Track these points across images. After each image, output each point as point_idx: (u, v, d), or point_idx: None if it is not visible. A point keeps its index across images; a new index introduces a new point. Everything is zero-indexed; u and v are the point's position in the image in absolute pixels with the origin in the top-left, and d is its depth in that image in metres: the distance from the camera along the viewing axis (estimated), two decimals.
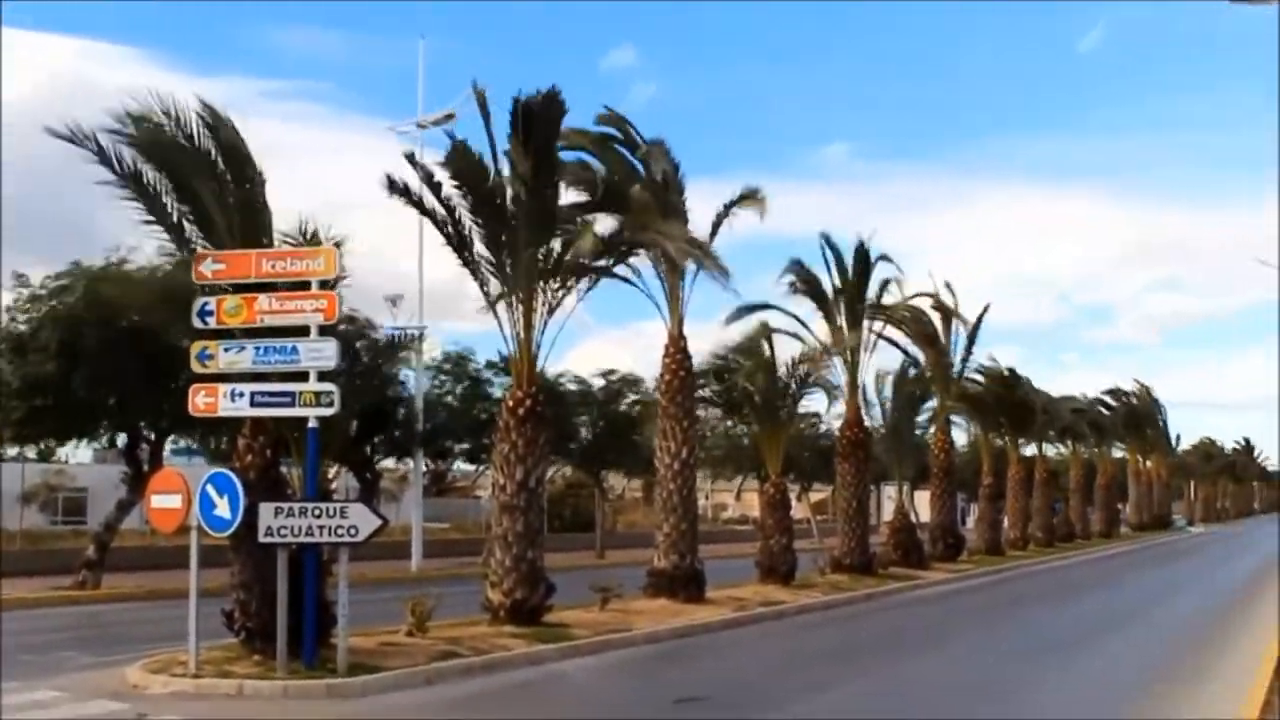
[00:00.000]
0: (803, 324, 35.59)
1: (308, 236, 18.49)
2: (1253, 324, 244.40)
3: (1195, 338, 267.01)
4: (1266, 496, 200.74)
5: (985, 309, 49.37)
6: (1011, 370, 60.28)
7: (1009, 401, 57.59)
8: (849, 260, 36.78)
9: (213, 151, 17.02)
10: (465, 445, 46.87)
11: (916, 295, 44.29)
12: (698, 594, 26.83)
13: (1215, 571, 44.59)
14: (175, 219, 17.25)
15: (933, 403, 48.48)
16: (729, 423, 55.06)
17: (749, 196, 28.12)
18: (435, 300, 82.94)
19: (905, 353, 45.93)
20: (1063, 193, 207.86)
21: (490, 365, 44.78)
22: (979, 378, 55.39)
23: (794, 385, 34.60)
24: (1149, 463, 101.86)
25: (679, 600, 26.17)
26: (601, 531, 51.55)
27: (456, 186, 20.98)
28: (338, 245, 18.15)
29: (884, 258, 37.44)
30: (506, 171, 21.12)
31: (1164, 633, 23.40)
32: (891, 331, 42.93)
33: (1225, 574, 42.95)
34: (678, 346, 28.00)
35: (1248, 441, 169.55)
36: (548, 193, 21.67)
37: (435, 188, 21.08)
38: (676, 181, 27.32)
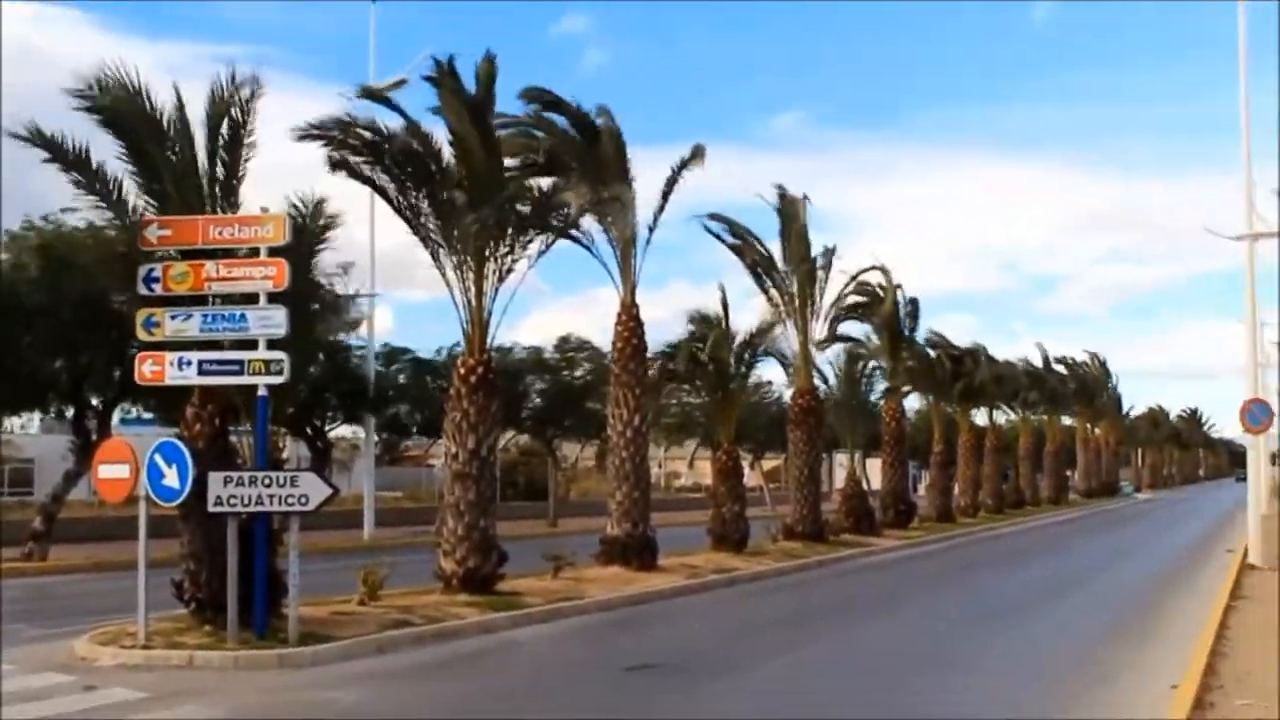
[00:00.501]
0: (765, 283, 35.73)
1: (307, 209, 18.40)
2: (1201, 294, 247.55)
3: (1143, 307, 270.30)
4: (1212, 463, 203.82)
5: (914, 301, 49.52)
6: (971, 351, 60.97)
7: (958, 374, 58.14)
8: (802, 233, 36.82)
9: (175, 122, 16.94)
10: (418, 416, 46.85)
11: (869, 269, 44.54)
12: (650, 561, 26.95)
13: (1161, 537, 45.21)
14: (143, 188, 17.07)
15: (882, 368, 48.74)
16: (683, 391, 55.50)
17: (697, 155, 28.05)
18: (387, 268, 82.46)
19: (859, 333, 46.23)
20: (1014, 162, 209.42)
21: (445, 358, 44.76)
22: (930, 350, 55.89)
23: (747, 354, 34.76)
24: (1098, 430, 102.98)
25: (632, 568, 26.28)
26: (555, 500, 51.61)
27: (401, 154, 20.88)
28: (317, 207, 18.21)
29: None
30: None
31: (1109, 598, 23.73)
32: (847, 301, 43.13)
33: (1170, 539, 43.57)
34: (630, 314, 28.02)
35: (1194, 410, 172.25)
36: (489, 157, 21.60)
37: (380, 154, 20.94)
38: (619, 147, 27.16)
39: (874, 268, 45.15)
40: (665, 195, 27.90)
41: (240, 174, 17.36)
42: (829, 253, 37.91)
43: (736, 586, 26.29)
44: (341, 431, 48.87)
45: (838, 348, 46.66)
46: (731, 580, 26.85)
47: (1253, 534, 29.63)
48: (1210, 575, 27.30)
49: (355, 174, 21.19)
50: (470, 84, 21.36)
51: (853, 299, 43.70)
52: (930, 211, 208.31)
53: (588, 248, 27.31)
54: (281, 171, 19.80)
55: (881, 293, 45.86)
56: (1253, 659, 14.55)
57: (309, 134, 20.01)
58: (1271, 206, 29.84)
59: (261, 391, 16.44)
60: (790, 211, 36.56)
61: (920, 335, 52.54)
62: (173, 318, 16.73)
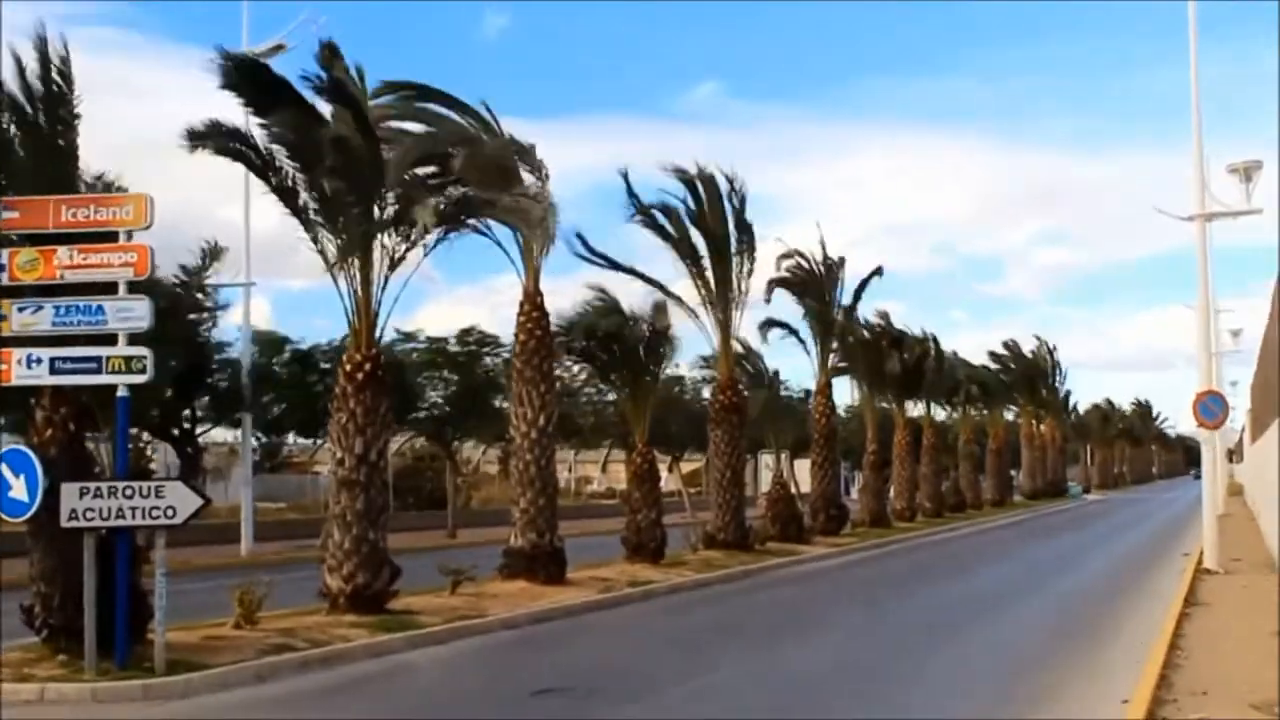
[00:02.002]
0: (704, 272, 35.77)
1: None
2: (1151, 278, 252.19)
3: (1089, 293, 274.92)
4: (1166, 460, 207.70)
5: (876, 271, 49.91)
6: (920, 340, 61.67)
7: (916, 367, 58.87)
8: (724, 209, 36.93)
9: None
10: (300, 417, 46.44)
11: (792, 253, 44.80)
12: (558, 574, 26.91)
13: (1112, 541, 45.96)
14: None
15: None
16: (593, 388, 55.46)
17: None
18: (265, 255, 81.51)
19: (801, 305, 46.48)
20: (947, 137, 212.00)
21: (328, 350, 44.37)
22: (868, 333, 56.41)
23: (660, 346, 34.74)
24: (1043, 426, 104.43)
25: (538, 582, 26.22)
26: (454, 508, 51.35)
27: (279, 130, 20.66)
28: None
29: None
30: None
31: (1057, 608, 24.06)
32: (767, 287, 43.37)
33: (1122, 543, 44.34)
34: (534, 304, 27.94)
35: (1145, 403, 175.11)
36: (372, 138, 21.47)
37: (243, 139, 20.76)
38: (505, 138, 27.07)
39: (798, 253, 45.44)
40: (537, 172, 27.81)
41: (69, 147, 16.99)
42: (743, 234, 37.84)
43: (653, 600, 26.33)
44: (216, 436, 48.27)
45: (766, 335, 46.99)
46: (647, 593, 26.88)
47: (1208, 536, 30.18)
48: (1164, 581, 27.80)
49: (223, 149, 20.89)
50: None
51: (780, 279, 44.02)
52: (857, 189, 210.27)
53: (485, 233, 27.17)
54: (147, 146, 19.49)
55: (812, 269, 46.15)
56: (1209, 669, 14.83)
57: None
58: (1225, 184, 30.41)
59: (122, 392, 16.15)
60: (702, 189, 36.58)
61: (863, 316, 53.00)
62: (20, 310, 16.37)
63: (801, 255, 45.76)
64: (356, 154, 21.09)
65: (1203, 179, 30.47)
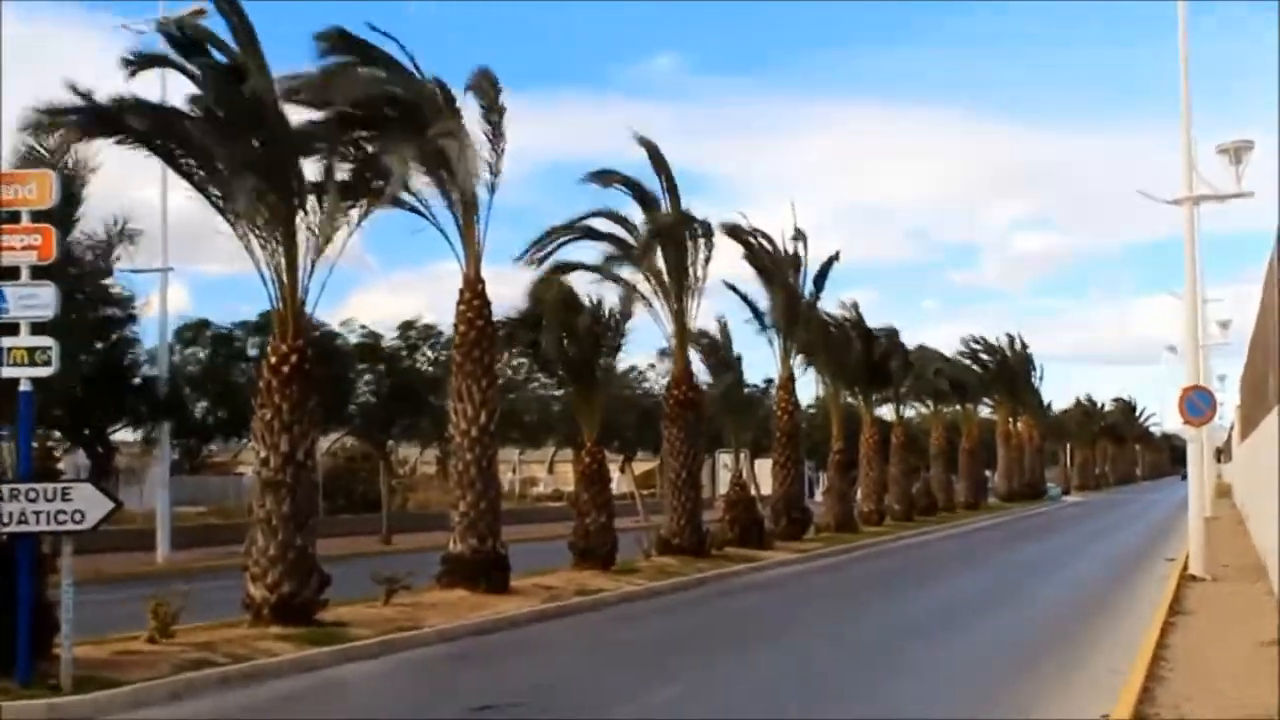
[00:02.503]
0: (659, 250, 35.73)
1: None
2: (1135, 266, 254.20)
3: (1070, 281, 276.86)
4: (1150, 460, 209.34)
5: (834, 256, 49.98)
6: (890, 332, 61.98)
7: (880, 361, 59.13)
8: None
9: None
10: (222, 414, 46.11)
11: (754, 231, 44.82)
12: (501, 583, 26.84)
13: (1093, 545, 46.29)
14: None
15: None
16: (538, 382, 55.39)
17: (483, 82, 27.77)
18: (183, 237, 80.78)
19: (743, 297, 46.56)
20: (922, 113, 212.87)
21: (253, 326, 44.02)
22: (834, 326, 56.63)
23: (611, 336, 34.73)
24: (1020, 424, 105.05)
25: (479, 591, 26.14)
26: (388, 512, 51.19)
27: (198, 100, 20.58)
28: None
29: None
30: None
31: (1033, 618, 24.24)
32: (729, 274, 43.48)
33: (1103, 548, 44.67)
34: (475, 291, 27.82)
35: (1129, 399, 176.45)
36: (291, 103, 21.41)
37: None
38: (449, 97, 26.92)
39: (759, 234, 45.41)
40: (496, 141, 27.71)
41: None
42: (682, 222, 37.75)
43: (603, 611, 26.33)
44: (129, 434, 47.86)
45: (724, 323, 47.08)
46: (597, 603, 26.88)
47: (1194, 540, 30.39)
48: (1147, 588, 28.03)
49: (123, 129, 20.68)
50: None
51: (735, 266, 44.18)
52: (823, 170, 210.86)
53: (421, 213, 27.05)
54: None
55: (776, 250, 46.21)
56: (1195, 683, 14.94)
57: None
58: (1215, 166, 30.60)
59: (24, 386, 15.98)
60: (659, 169, 36.60)
61: (826, 307, 53.14)
62: None
63: (765, 236, 45.77)
64: (266, 116, 20.95)
65: (1191, 160, 30.64)
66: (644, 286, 36.57)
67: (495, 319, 28.93)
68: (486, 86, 27.31)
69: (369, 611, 22.89)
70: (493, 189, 27.66)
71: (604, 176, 35.50)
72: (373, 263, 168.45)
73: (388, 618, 22.31)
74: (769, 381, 51.10)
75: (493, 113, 27.40)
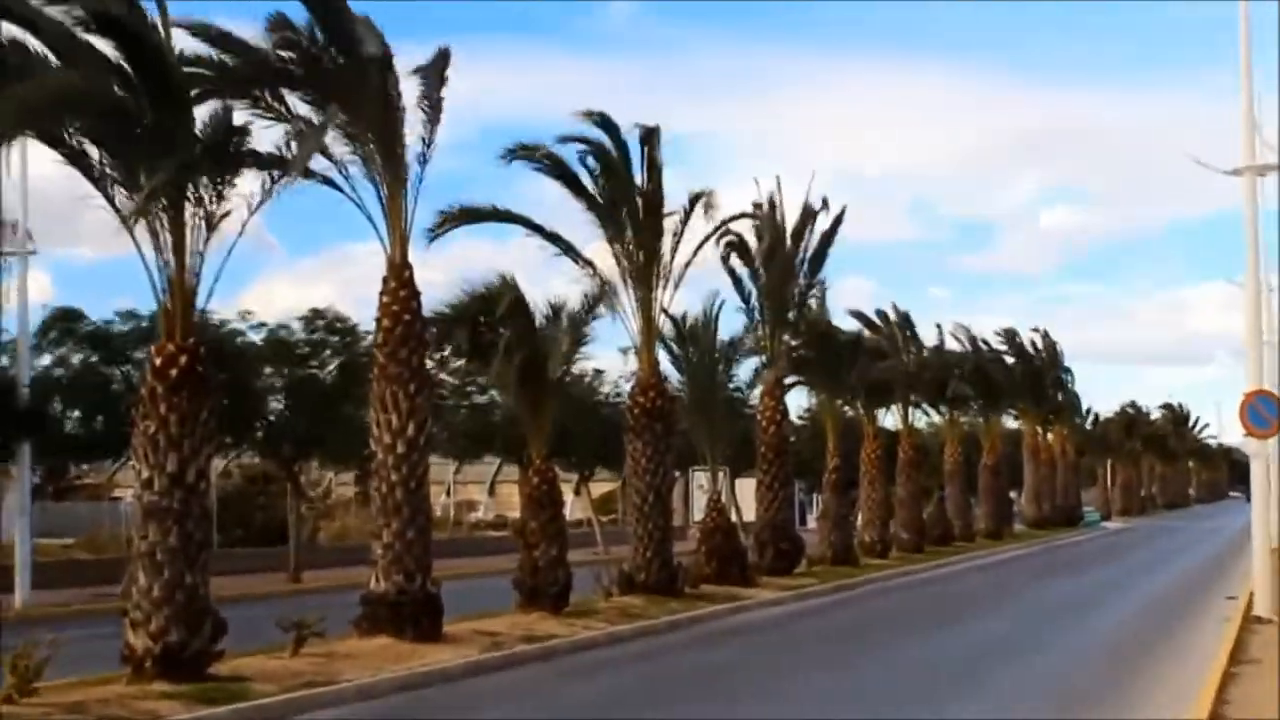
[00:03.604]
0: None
1: None
2: (1185, 248, 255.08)
3: (1107, 265, 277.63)
4: (1205, 479, 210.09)
5: (841, 214, 49.88)
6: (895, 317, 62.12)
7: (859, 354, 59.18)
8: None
9: None
10: (95, 427, 45.83)
11: (736, 217, 44.85)
12: (432, 629, 26.77)
13: (1139, 582, 46.39)
14: None
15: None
16: (478, 387, 55.29)
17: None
18: (48, 216, 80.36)
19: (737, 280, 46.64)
20: (926, 70, 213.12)
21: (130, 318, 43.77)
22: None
23: (570, 330, 34.69)
24: (1050, 436, 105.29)
25: (406, 638, 26.07)
26: (297, 544, 50.95)
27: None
28: None
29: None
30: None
31: (1070, 668, 24.32)
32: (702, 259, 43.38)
33: (1152, 584, 44.81)
34: (401, 279, 27.72)
35: (1179, 407, 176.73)
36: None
37: None
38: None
39: (747, 215, 45.48)
40: (432, 110, 27.70)
41: None
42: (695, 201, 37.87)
43: (554, 661, 26.29)
44: None
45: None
46: (546, 652, 26.84)
47: (1259, 575, 30.48)
48: (1204, 632, 28.15)
49: None
50: None
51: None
52: (809, 138, 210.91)
53: (338, 186, 26.97)
54: None
55: (767, 226, 46.27)
56: None
57: None
58: None
59: None
60: (621, 137, 36.60)
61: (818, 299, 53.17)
62: None
63: (756, 211, 45.81)
64: (158, 74, 20.89)
65: (1253, 122, 30.76)
66: (609, 268, 36.73)
67: (426, 312, 28.92)
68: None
69: (273, 664, 22.79)
70: (424, 159, 27.65)
71: (527, 151, 35.48)
72: (277, 245, 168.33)
73: (296, 671, 22.22)
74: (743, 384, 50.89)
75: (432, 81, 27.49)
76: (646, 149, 36.92)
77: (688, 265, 38.50)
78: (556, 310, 34.62)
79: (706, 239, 39.68)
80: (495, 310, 33.32)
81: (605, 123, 36.14)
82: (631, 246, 37.00)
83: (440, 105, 27.82)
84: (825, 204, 48.21)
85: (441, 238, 31.56)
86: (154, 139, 21.03)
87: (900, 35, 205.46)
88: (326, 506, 71.58)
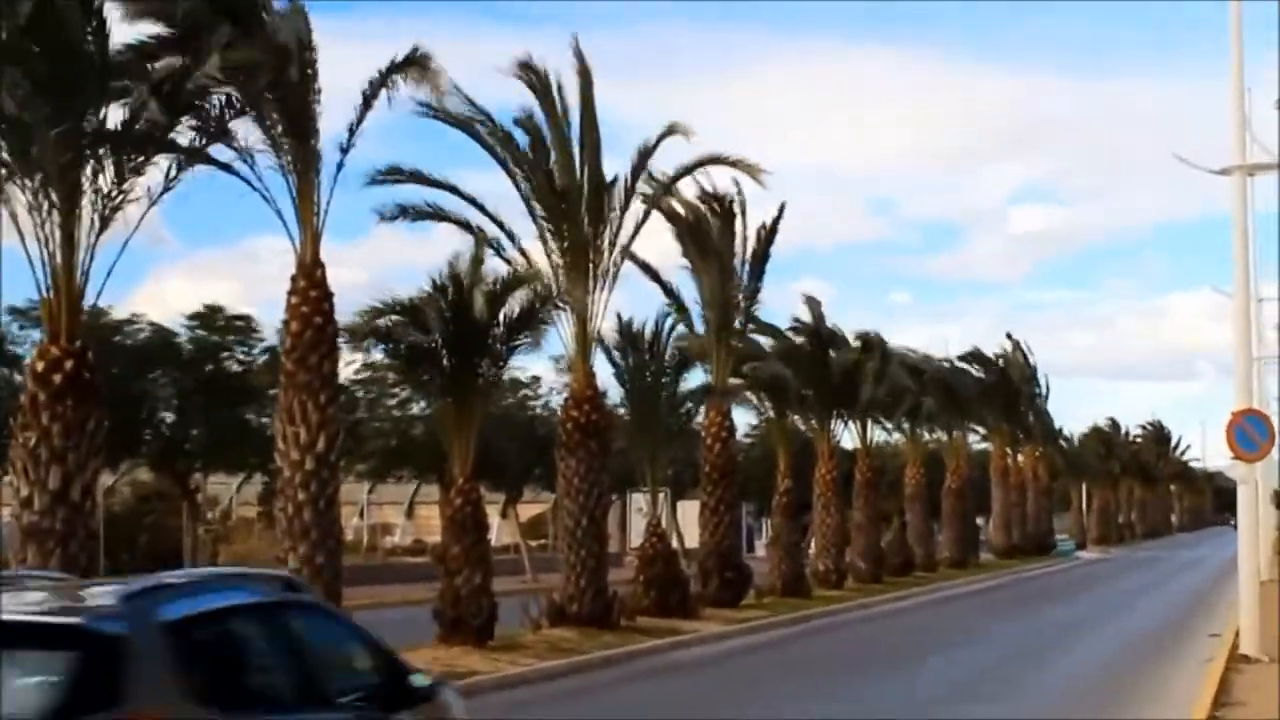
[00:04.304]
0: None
1: None
2: (1168, 253, 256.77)
3: (1084, 271, 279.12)
4: (1189, 505, 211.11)
5: (780, 211, 49.73)
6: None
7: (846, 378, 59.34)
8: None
9: None
10: None
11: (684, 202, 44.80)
12: None
13: (1116, 617, 46.62)
14: None
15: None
16: (395, 396, 55.16)
17: (413, 63, 28.02)
18: None
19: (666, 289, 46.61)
20: (885, 56, 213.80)
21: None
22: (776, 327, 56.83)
23: (500, 331, 34.58)
24: (1021, 457, 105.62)
25: None
26: (195, 568, 50.77)
27: None
28: None
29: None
30: None
31: (1041, 712, 24.40)
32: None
33: (1130, 621, 45.02)
34: (312, 279, 27.64)
35: (1161, 426, 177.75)
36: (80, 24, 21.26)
37: None
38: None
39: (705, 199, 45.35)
40: (365, 107, 27.74)
41: None
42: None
43: (477, 699, 26.11)
44: None
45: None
46: (469, 690, 26.61)
47: (1245, 611, 30.45)
48: (1184, 673, 28.28)
49: None
50: None
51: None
52: (759, 124, 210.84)
53: (241, 175, 26.88)
54: None
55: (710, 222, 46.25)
56: None
57: None
58: (1273, 126, 30.86)
59: None
60: (555, 108, 36.51)
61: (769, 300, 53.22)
62: None
63: (707, 199, 45.79)
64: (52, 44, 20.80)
65: (1243, 118, 30.89)
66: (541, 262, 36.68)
67: (342, 316, 28.91)
68: None
69: None
70: (347, 147, 27.61)
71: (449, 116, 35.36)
72: (169, 239, 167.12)
73: None
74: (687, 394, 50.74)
75: None
76: (584, 110, 36.83)
77: (631, 242, 38.85)
78: (491, 311, 34.47)
79: (646, 218, 39.59)
80: (419, 311, 33.29)
81: (534, 81, 36.10)
82: (565, 232, 36.95)
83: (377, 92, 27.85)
84: (782, 211, 48.19)
85: (361, 233, 31.66)
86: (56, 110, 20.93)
87: (857, 18, 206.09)
88: (226, 528, 71.18)
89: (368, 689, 10.80)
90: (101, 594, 9.36)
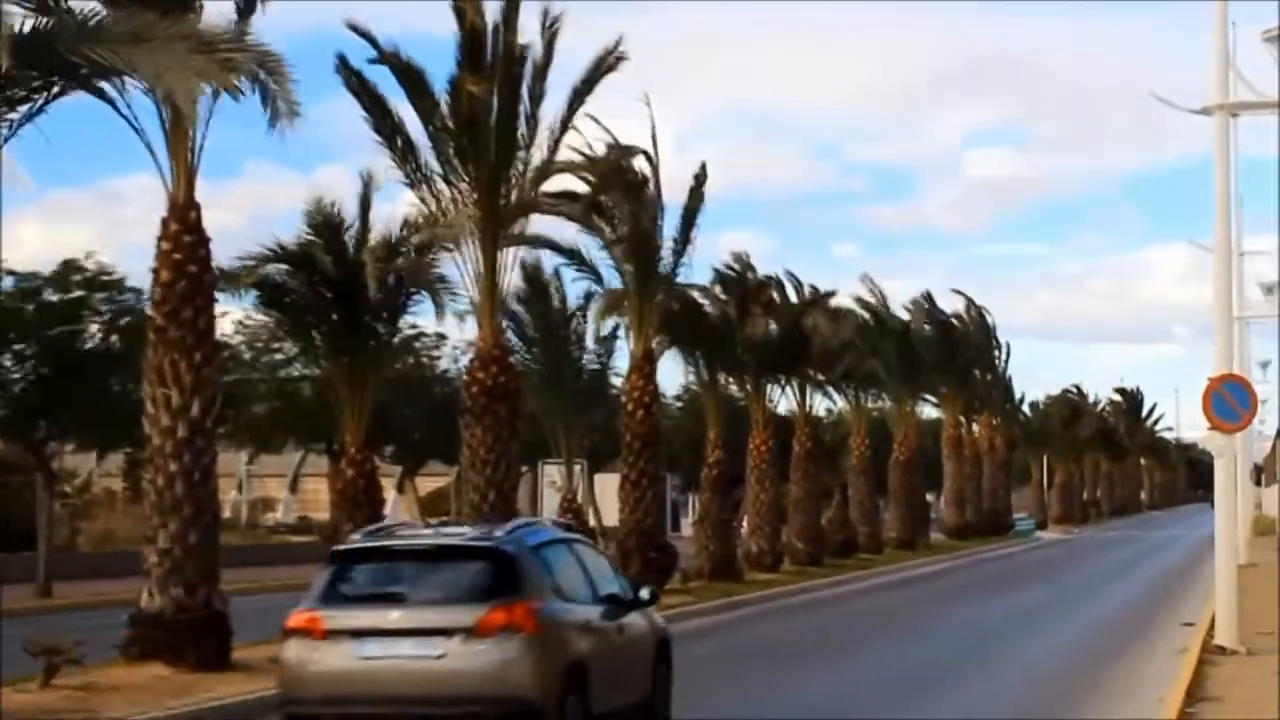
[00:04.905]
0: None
1: None
2: (1141, 204, 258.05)
3: (1046, 224, 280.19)
4: (1160, 481, 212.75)
5: (701, 171, 49.84)
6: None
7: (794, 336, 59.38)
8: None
9: None
10: None
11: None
12: (219, 655, 26.63)
13: (1079, 604, 47.01)
14: None
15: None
16: (280, 354, 55.05)
17: None
18: None
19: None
20: None
21: None
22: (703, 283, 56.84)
23: (395, 282, 34.57)
24: (976, 426, 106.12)
25: (186, 666, 25.90)
26: (49, 550, 50.43)
27: None
28: None
29: None
30: None
31: (992, 710, 24.58)
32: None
33: (1094, 608, 45.42)
34: (185, 223, 27.42)
35: (1134, 393, 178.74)
36: None
37: None
38: None
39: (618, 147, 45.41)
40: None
41: None
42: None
43: None
44: None
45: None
46: None
47: (1221, 598, 30.59)
48: (1154, 665, 28.53)
49: None
50: None
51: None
52: (689, 60, 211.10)
53: (109, 99, 26.66)
54: None
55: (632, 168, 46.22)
56: None
57: None
58: (1260, 63, 30.93)
59: None
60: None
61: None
62: None
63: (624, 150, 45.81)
64: None
65: (1227, 51, 31.00)
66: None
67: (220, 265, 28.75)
68: None
69: (19, 698, 22.58)
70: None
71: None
72: (26, 178, 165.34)
73: (47, 707, 22.07)
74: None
75: None
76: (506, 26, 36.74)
77: (544, 177, 38.53)
78: (390, 255, 34.35)
79: (556, 147, 39.49)
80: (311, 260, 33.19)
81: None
82: (471, 170, 36.80)
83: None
84: (703, 174, 48.10)
85: (234, 172, 31.37)
86: None
87: None
88: (86, 503, 70.95)
89: (615, 595, 19.94)
90: (498, 531, 19.27)
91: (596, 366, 51.81)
